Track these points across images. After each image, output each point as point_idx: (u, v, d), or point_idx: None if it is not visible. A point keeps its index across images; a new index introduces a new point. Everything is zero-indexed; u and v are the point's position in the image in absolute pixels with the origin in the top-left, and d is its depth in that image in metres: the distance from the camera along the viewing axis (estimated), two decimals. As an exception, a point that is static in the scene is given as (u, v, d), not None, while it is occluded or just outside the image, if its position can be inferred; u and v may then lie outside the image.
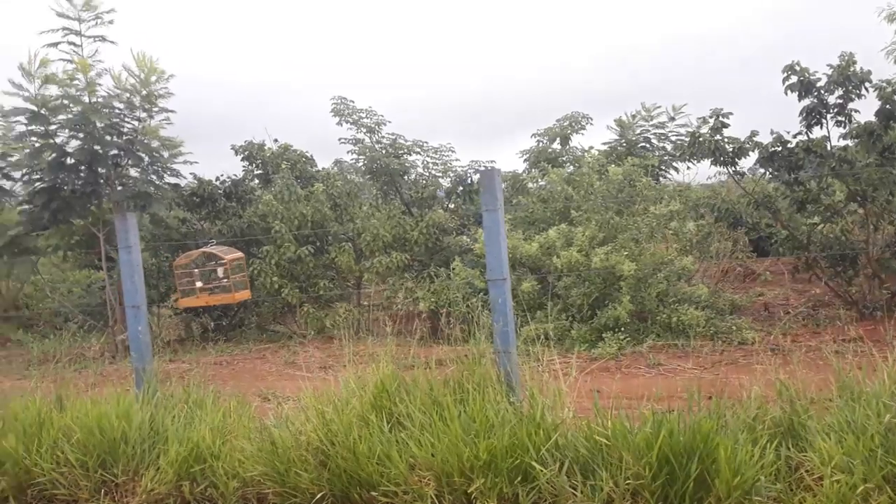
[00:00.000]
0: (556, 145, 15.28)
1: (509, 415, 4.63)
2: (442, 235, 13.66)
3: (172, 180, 13.83)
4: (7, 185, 17.18)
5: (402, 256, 12.87)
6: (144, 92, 12.62)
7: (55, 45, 12.42)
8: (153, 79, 12.57)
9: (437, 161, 14.72)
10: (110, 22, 12.52)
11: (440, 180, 14.79)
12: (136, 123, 12.92)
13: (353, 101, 14.42)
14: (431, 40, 63.09)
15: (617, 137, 15.37)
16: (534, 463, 4.27)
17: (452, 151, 14.74)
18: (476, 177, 14.48)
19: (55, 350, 12.30)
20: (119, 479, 5.03)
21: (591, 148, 14.82)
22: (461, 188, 14.67)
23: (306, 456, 4.78)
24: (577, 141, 15.23)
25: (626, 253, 10.93)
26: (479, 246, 11.72)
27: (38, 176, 13.33)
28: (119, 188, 13.17)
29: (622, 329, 10.52)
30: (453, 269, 12.06)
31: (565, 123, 15.20)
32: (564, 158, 14.93)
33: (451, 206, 14.79)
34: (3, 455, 5.21)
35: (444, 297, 11.82)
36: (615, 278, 10.90)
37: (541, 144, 15.30)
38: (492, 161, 14.70)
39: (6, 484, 5.16)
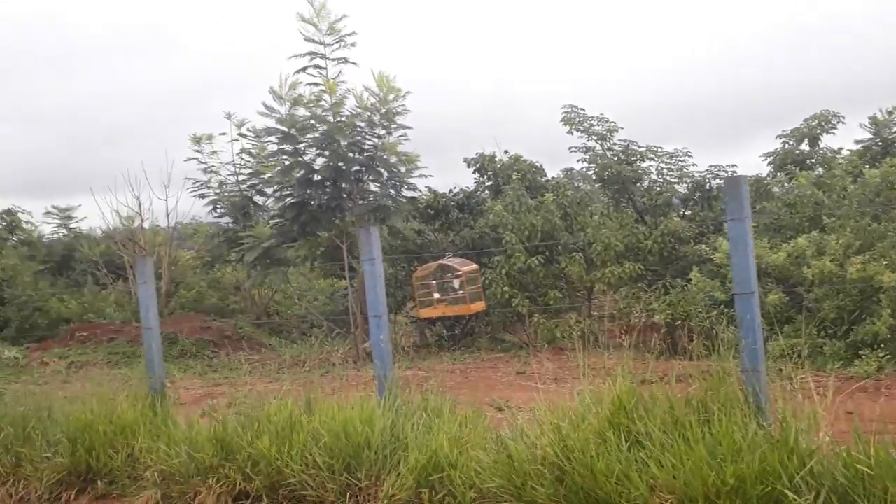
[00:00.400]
0: (804, 146, 14.32)
1: (759, 438, 4.30)
2: (678, 244, 13.15)
3: (409, 194, 14.34)
4: (261, 200, 18.58)
5: (636, 266, 12.52)
6: (384, 110, 13.16)
7: (303, 69, 13.25)
8: (391, 97, 13.09)
9: (672, 167, 14.22)
10: (352, 44, 13.20)
11: (675, 186, 14.27)
12: (375, 140, 13.51)
13: (583, 110, 14.30)
14: (661, 41, 61.42)
15: (871, 136, 14.16)
16: (787, 491, 3.94)
17: (689, 156, 14.19)
18: (715, 182, 13.84)
19: (304, 355, 13.07)
20: (362, 483, 5.17)
21: (843, 149, 13.75)
22: (699, 194, 14.07)
23: (542, 470, 4.68)
24: (826, 141, 14.21)
25: (885, 262, 9.99)
26: (719, 255, 11.17)
27: (288, 192, 14.24)
28: (360, 202, 13.81)
29: (881, 346, 9.61)
30: (691, 279, 11.57)
31: (814, 123, 14.24)
32: (813, 160, 13.95)
33: (688, 213, 14.22)
34: (258, 455, 5.51)
35: (681, 308, 11.35)
36: (873, 290, 10.00)
37: (787, 146, 14.41)
38: (732, 165, 13.98)
39: (260, 483, 5.45)
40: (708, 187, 14.04)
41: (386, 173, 13.82)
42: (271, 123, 13.48)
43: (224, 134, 18.48)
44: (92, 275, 23.23)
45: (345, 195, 13.76)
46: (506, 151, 15.88)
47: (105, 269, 22.50)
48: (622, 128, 14.27)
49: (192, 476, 5.75)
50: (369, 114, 13.24)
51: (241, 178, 18.48)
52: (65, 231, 30.99)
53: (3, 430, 6.66)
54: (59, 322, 18.99)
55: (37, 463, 6.37)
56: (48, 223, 31.15)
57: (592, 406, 4.97)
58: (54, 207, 31.25)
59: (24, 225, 24.99)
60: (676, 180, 14.30)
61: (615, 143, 14.28)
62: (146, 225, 21.36)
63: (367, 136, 13.49)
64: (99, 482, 6.22)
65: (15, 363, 8.13)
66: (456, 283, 10.85)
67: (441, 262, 11.31)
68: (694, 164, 14.30)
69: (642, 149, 14.28)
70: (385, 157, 13.48)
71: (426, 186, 15.11)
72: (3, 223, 23.55)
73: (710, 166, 14.23)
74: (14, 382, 11.20)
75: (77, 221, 31.47)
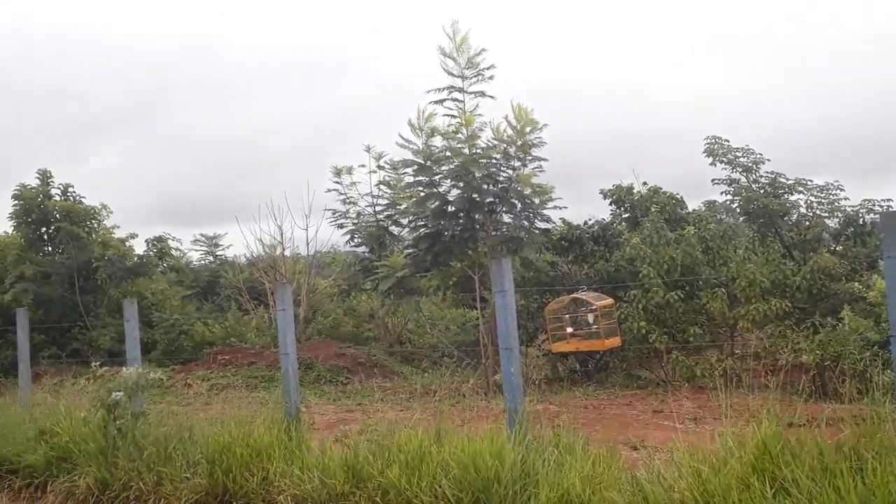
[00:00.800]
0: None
1: (918, 491, 3.98)
2: (828, 281, 12.45)
3: (542, 225, 14.23)
4: (396, 230, 18.92)
5: (782, 303, 11.91)
6: (520, 142, 13.14)
7: (440, 101, 13.43)
8: (528, 129, 13.06)
9: (823, 200, 13.52)
10: (490, 78, 13.31)
11: (826, 221, 13.56)
12: (510, 172, 13.50)
13: (727, 141, 13.84)
14: (809, 66, 59.12)
15: None
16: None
17: (841, 189, 13.46)
18: (869, 217, 13.06)
19: (434, 384, 13.10)
20: (491, 518, 5.07)
21: None
22: (851, 229, 13.31)
23: (680, 514, 4.48)
24: None
25: None
26: (873, 294, 10.52)
27: (422, 222, 14.41)
28: (493, 233, 13.81)
29: None
30: (842, 318, 10.92)
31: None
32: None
33: (839, 249, 13.48)
34: (388, 484, 5.50)
35: (831, 349, 10.72)
36: None
37: (951, 181, 13.50)
38: (888, 200, 13.14)
39: (390, 512, 5.43)
40: (861, 222, 13.26)
41: (520, 205, 13.77)
42: (408, 155, 13.71)
43: (363, 166, 19.03)
44: (235, 300, 24.20)
45: (478, 226, 13.79)
46: (644, 183, 15.59)
47: (247, 294, 23.41)
48: (769, 159, 13.72)
49: (323, 502, 5.79)
50: (505, 146, 13.24)
51: (377, 208, 18.92)
52: (211, 258, 32.58)
53: (147, 450, 6.92)
54: (202, 345, 19.81)
55: (177, 483, 6.58)
56: (196, 250, 32.80)
57: (735, 449, 4.76)
58: (202, 235, 32.94)
59: (173, 251, 26.32)
60: (827, 214, 13.58)
61: (761, 176, 13.72)
62: (287, 253, 22.12)
63: (503, 168, 13.50)
64: (234, 504, 6.35)
65: (160, 384, 8.43)
66: (590, 318, 10.62)
67: (575, 295, 11.10)
68: (846, 198, 13.58)
69: (790, 181, 13.66)
70: (519, 188, 13.43)
71: (560, 218, 14.99)
72: (154, 250, 24.85)
73: (864, 200, 13.46)
74: (159, 403, 11.66)
75: (223, 249, 33.03)
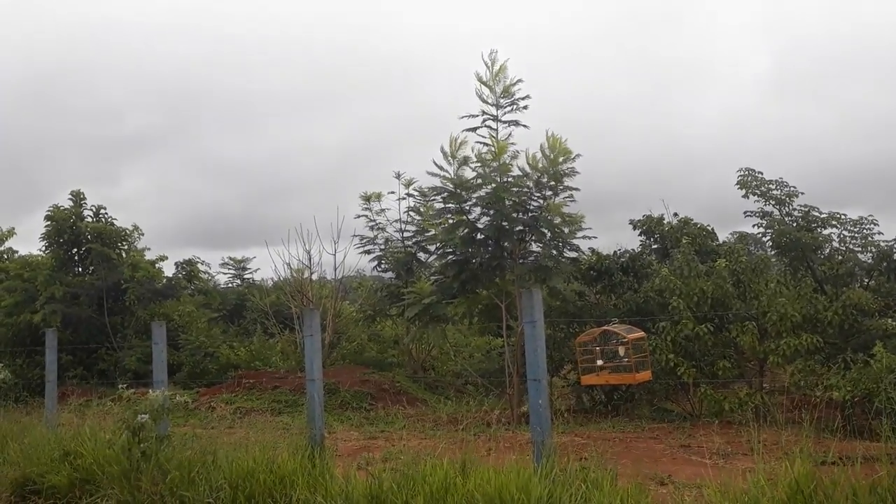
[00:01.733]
0: None
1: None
2: (860, 316, 12.25)
3: (571, 254, 14.15)
4: (423, 257, 18.95)
5: (813, 338, 11.71)
6: (552, 171, 13.10)
7: (474, 129, 13.46)
8: (561, 158, 13.03)
9: (856, 234, 13.38)
10: (524, 108, 13.35)
11: (859, 256, 13.40)
12: (541, 201, 13.45)
13: (761, 173, 13.75)
14: (846, 96, 58.74)
15: None
16: None
17: (875, 224, 13.32)
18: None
19: (459, 412, 13.00)
20: (517, 555, 4.97)
21: None
22: (885, 264, 13.12)
23: (709, 555, 4.37)
24: None
25: None
26: (906, 330, 10.31)
27: (450, 250, 14.39)
28: (521, 262, 13.75)
29: None
30: (874, 354, 10.71)
31: None
32: None
33: (872, 283, 13.28)
34: (413, 517, 5.42)
35: (862, 385, 10.50)
36: None
37: None
38: (923, 237, 13.04)
39: (415, 547, 5.35)
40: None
41: (549, 233, 13.70)
42: (438, 183, 13.72)
43: (392, 192, 19.14)
44: (261, 324, 24.30)
45: (506, 254, 13.74)
46: (675, 214, 15.50)
47: (273, 318, 23.46)
48: (802, 192, 13.62)
49: (346, 531, 5.72)
50: (538, 175, 13.21)
51: (406, 234, 18.98)
52: (238, 281, 32.79)
53: (171, 473, 6.89)
54: (227, 368, 19.86)
55: (199, 507, 6.53)
56: (224, 273, 33.04)
57: (766, 488, 4.64)
58: (230, 258, 33.23)
59: (202, 274, 26.50)
60: (860, 249, 13.44)
61: (794, 209, 13.61)
62: (314, 277, 22.16)
63: (533, 197, 13.47)
64: (257, 531, 6.29)
65: (185, 406, 8.43)
66: (621, 351, 10.48)
67: (606, 327, 10.97)
68: (880, 233, 13.44)
69: (824, 215, 13.54)
70: (549, 217, 13.37)
71: (589, 248, 14.91)
72: (183, 272, 25.03)
73: (900, 235, 13.33)
74: (183, 426, 11.68)
75: (250, 272, 33.25)
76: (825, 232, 13.57)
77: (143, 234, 22.70)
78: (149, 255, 22.94)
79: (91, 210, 22.06)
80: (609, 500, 5.20)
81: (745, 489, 4.73)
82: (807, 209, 13.56)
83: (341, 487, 6.24)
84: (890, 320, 11.88)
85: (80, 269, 22.00)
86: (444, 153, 13.50)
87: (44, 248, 22.22)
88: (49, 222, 21.41)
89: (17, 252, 24.68)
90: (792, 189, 13.64)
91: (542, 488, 5.35)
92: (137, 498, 6.83)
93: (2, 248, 24.59)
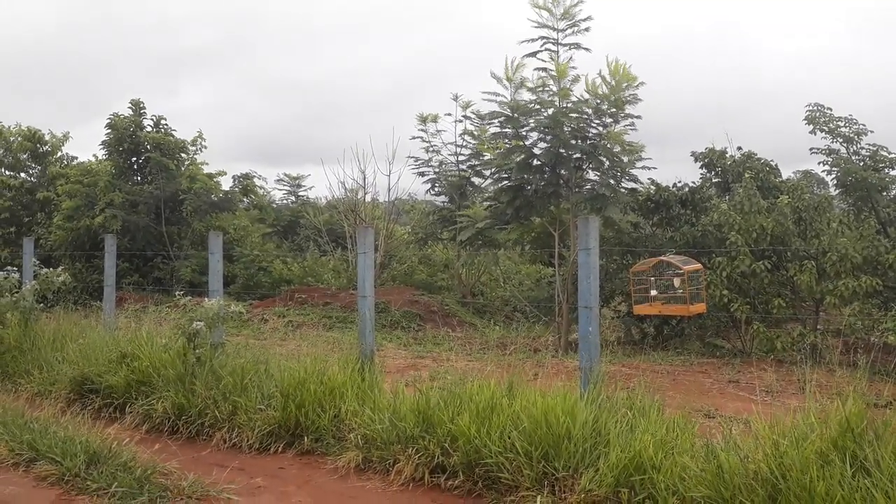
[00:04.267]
0: None
1: None
2: (924, 261, 11.91)
3: (629, 185, 13.93)
4: (477, 182, 18.84)
5: (873, 281, 11.44)
6: (613, 98, 12.80)
7: (534, 53, 13.18)
8: (624, 85, 12.71)
9: (926, 176, 12.94)
10: (586, 30, 13.01)
11: (927, 198, 12.99)
12: (600, 129, 13.19)
13: (830, 109, 13.27)
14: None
15: None
16: None
17: (946, 166, 12.86)
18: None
19: (506, 337, 13.07)
20: (559, 474, 5.04)
21: None
22: (954, 207, 12.73)
23: (754, 486, 4.40)
24: None
25: None
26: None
27: (505, 175, 14.26)
28: (577, 190, 13.57)
29: None
30: (934, 300, 10.46)
31: None
32: None
33: (939, 227, 12.91)
34: (458, 432, 5.50)
35: (920, 331, 10.29)
36: None
37: None
38: None
39: (457, 459, 5.44)
40: (964, 200, 12.68)
41: (607, 162, 13.46)
42: (495, 107, 13.51)
43: (449, 115, 18.95)
44: (314, 241, 24.57)
45: (562, 182, 13.57)
46: (739, 148, 15.09)
47: (327, 236, 23.69)
48: (872, 131, 13.14)
49: (393, 443, 5.85)
50: (598, 101, 12.91)
51: (460, 158, 18.84)
52: (293, 198, 33.08)
53: (224, 379, 7.06)
54: (280, 283, 20.18)
55: (251, 413, 6.71)
56: (279, 189, 33.33)
57: (816, 425, 4.62)
58: (286, 175, 33.49)
59: (258, 189, 26.73)
60: (928, 191, 13.02)
61: (862, 147, 13.15)
62: (368, 198, 22.23)
63: (592, 124, 13.19)
64: (305, 438, 6.46)
65: (239, 317, 8.59)
66: (676, 282, 10.34)
67: (661, 258, 10.83)
68: (951, 175, 12.97)
69: (893, 156, 13.06)
70: (609, 145, 13.11)
71: (649, 179, 14.63)
72: (240, 186, 25.27)
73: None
74: (236, 336, 11.94)
75: (305, 190, 33.48)
76: (892, 173, 13.13)
77: (206, 146, 22.86)
78: (206, 169, 23.17)
79: (151, 120, 22.24)
80: (655, 429, 5.21)
81: (794, 425, 4.70)
82: (875, 148, 13.10)
83: (389, 401, 6.35)
84: (954, 265, 11.51)
85: (139, 178, 22.29)
86: (497, 78, 13.26)
87: (104, 156, 22.54)
88: (109, 130, 21.64)
89: (75, 158, 25.09)
90: (861, 127, 13.16)
91: (587, 413, 5.38)
92: (191, 401, 7.03)
93: (59, 154, 25.00)
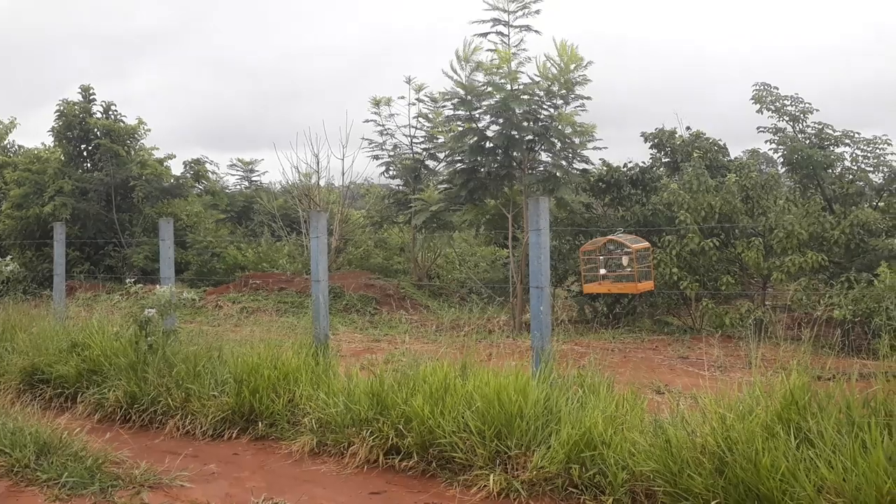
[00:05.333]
0: None
1: (946, 448, 3.94)
2: (867, 236, 12.21)
3: (581, 166, 14.05)
4: (432, 165, 18.87)
5: (818, 257, 11.71)
6: (563, 79, 12.87)
7: (484, 35, 13.19)
8: (572, 66, 12.78)
9: (869, 154, 13.19)
10: (536, 12, 13.04)
11: (870, 176, 13.26)
12: (551, 110, 13.26)
13: (776, 88, 13.49)
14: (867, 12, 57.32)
15: None
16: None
17: (888, 144, 13.11)
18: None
19: (462, 319, 13.14)
20: (512, 453, 5.11)
21: None
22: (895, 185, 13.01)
23: (701, 459, 4.49)
24: None
25: None
26: (912, 251, 10.28)
27: (459, 158, 14.29)
28: (530, 172, 13.66)
29: None
30: (877, 274, 10.73)
31: None
32: None
33: (881, 204, 13.20)
34: (412, 413, 5.54)
35: (863, 305, 10.54)
36: None
37: None
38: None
39: (411, 440, 5.49)
40: (907, 178, 12.96)
41: (559, 144, 13.56)
42: (451, 87, 13.49)
43: (402, 98, 18.90)
44: (268, 226, 24.40)
45: (515, 164, 13.65)
46: (688, 128, 15.30)
47: (281, 221, 23.55)
48: (817, 110, 13.38)
49: (347, 426, 5.87)
50: (548, 83, 12.98)
51: (415, 141, 18.84)
52: (246, 183, 32.76)
53: (177, 367, 7.02)
54: (234, 269, 20.04)
55: (204, 400, 6.69)
56: (231, 175, 33.00)
57: (762, 398, 4.74)
58: (238, 160, 33.11)
59: (210, 175, 26.45)
60: (872, 169, 13.28)
61: (808, 126, 13.39)
62: (322, 182, 22.14)
63: (544, 106, 13.26)
64: (260, 424, 6.46)
65: (192, 304, 8.54)
66: (624, 260, 10.47)
67: (611, 237, 10.96)
68: (893, 153, 13.25)
69: (837, 133, 13.32)
70: (560, 127, 13.20)
71: (600, 159, 14.79)
72: (191, 172, 24.98)
73: (912, 156, 13.14)
74: (189, 322, 11.85)
75: (258, 175, 33.19)
76: (838, 150, 13.39)
77: (149, 131, 22.53)
78: (157, 154, 22.86)
79: (101, 106, 21.88)
80: (605, 405, 5.31)
81: (740, 398, 4.81)
82: (820, 126, 13.35)
83: (343, 385, 6.37)
84: (896, 240, 11.83)
85: (89, 165, 21.94)
86: (458, 56, 13.26)
87: (52, 143, 22.15)
88: (59, 117, 21.26)
89: (22, 146, 24.61)
90: (807, 105, 13.40)
91: (539, 391, 5.45)
92: (144, 389, 6.98)
93: (5, 142, 24.49)
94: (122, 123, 21.79)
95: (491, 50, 13.19)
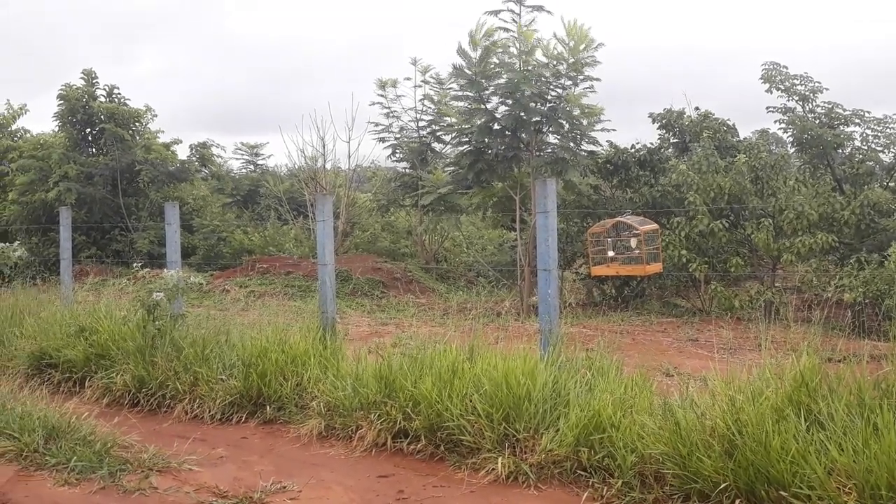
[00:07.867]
0: None
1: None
2: (878, 217, 12.12)
3: (589, 147, 13.96)
4: (439, 147, 18.78)
5: (828, 237, 11.62)
6: (572, 60, 12.78)
7: (495, 12, 13.03)
8: (582, 47, 12.68)
9: (879, 133, 13.06)
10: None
11: (881, 155, 13.14)
12: (560, 91, 13.17)
13: (786, 67, 13.35)
14: None
15: None
16: None
17: (899, 123, 13.00)
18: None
19: (469, 302, 13.12)
20: (520, 435, 5.09)
21: None
22: (906, 165, 12.91)
23: (711, 442, 4.46)
24: None
25: None
26: (924, 231, 10.19)
27: (466, 139, 14.22)
28: (538, 154, 13.59)
29: None
30: (888, 255, 10.65)
31: None
32: None
33: (892, 184, 13.09)
34: (420, 396, 5.52)
35: (874, 286, 10.47)
36: None
37: None
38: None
39: (419, 423, 5.47)
40: (918, 157, 12.86)
41: (567, 125, 13.48)
42: (461, 67, 13.36)
43: (408, 79, 18.79)
44: (275, 210, 24.35)
45: (523, 146, 13.57)
46: (696, 108, 15.15)
47: (287, 205, 23.51)
48: (827, 89, 13.24)
49: (355, 409, 5.86)
50: (556, 64, 12.87)
51: (421, 124, 18.75)
52: (252, 167, 32.68)
53: (185, 350, 7.02)
54: (241, 253, 20.02)
55: (212, 383, 6.68)
56: (237, 158, 32.93)
57: (772, 381, 4.71)
58: (243, 144, 32.99)
59: (215, 158, 26.38)
60: (882, 149, 13.15)
61: (818, 105, 13.25)
62: (328, 165, 22.07)
63: (552, 87, 13.16)
64: (268, 407, 6.45)
65: (199, 288, 8.53)
66: (633, 242, 10.43)
67: (618, 219, 10.91)
68: (904, 133, 13.13)
69: (847, 113, 13.18)
70: (568, 108, 13.11)
71: (608, 141, 14.67)
72: (197, 156, 24.91)
73: (924, 136, 13.01)
74: (197, 306, 11.85)
75: (264, 158, 33.11)
76: (848, 130, 13.26)
77: (156, 116, 22.47)
78: (162, 138, 22.80)
79: (104, 90, 21.78)
80: (614, 388, 5.28)
81: (750, 381, 4.77)
82: (830, 106, 13.21)
83: (351, 368, 6.35)
84: (908, 221, 11.73)
85: (94, 150, 21.88)
86: (471, 36, 13.12)
87: (56, 128, 22.10)
88: (62, 101, 21.19)
89: (29, 132, 24.57)
90: (816, 84, 13.26)
91: (547, 374, 5.42)
92: (152, 373, 6.98)
93: (14, 127, 24.47)
94: (125, 106, 21.70)
95: (502, 28, 13.07)
